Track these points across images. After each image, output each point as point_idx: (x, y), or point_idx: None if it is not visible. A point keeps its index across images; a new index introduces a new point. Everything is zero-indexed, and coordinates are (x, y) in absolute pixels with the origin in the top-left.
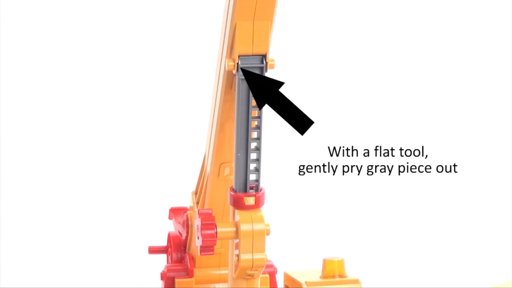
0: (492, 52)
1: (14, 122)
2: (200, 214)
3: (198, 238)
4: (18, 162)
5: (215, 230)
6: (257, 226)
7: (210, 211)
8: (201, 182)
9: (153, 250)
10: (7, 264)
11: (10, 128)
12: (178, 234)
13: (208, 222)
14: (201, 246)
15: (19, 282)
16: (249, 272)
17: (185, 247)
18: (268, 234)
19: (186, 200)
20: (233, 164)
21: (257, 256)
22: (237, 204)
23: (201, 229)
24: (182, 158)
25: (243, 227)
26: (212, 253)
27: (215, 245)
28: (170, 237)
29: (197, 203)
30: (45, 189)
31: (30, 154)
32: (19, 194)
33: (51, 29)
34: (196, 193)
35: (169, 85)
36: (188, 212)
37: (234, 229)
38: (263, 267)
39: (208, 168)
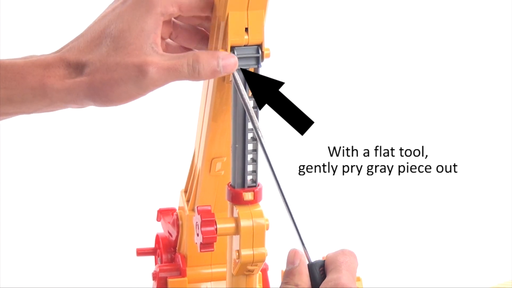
0: (492, 52)
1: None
2: (199, 211)
3: (197, 235)
4: (10, 162)
5: (215, 227)
6: (257, 221)
7: (209, 207)
8: (191, 179)
9: (141, 252)
10: (6, 264)
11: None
12: (167, 234)
13: (208, 218)
14: (201, 243)
15: (11, 282)
16: (249, 267)
17: (175, 247)
18: (267, 229)
19: (172, 201)
20: (226, 159)
21: (257, 251)
22: (236, 199)
23: (201, 226)
24: (167, 161)
25: (243, 223)
26: (212, 249)
27: (216, 241)
28: (159, 239)
29: (188, 201)
30: (33, 191)
31: (19, 155)
32: (13, 195)
33: (51, 28)
34: (186, 191)
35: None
36: (177, 211)
37: (234, 225)
38: (263, 262)
39: (198, 164)
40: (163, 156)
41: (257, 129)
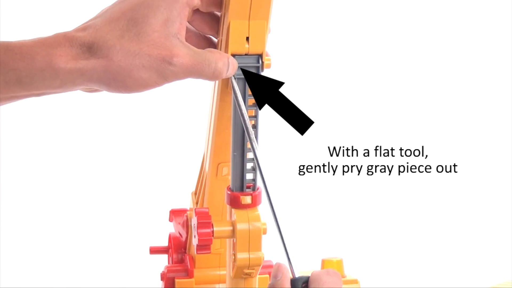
0: (492, 52)
1: (16, 123)
2: (196, 213)
3: (194, 237)
4: (20, 164)
5: (212, 229)
6: (254, 225)
7: (207, 209)
8: (200, 182)
9: (154, 251)
10: (7, 264)
11: (13, 130)
12: (178, 235)
13: (205, 221)
14: (197, 245)
15: (19, 282)
16: (246, 271)
17: (185, 248)
18: (264, 233)
19: (186, 202)
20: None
21: (253, 255)
22: (234, 203)
23: (198, 227)
24: (182, 160)
25: (240, 226)
26: (209, 252)
27: (211, 243)
28: (170, 238)
29: (197, 203)
30: (45, 190)
31: (30, 156)
32: (20, 195)
33: (50, 27)
34: (195, 193)
35: (168, 87)
36: (188, 213)
37: (231, 228)
38: (259, 266)
39: (206, 168)
40: (179, 157)
41: (252, 141)
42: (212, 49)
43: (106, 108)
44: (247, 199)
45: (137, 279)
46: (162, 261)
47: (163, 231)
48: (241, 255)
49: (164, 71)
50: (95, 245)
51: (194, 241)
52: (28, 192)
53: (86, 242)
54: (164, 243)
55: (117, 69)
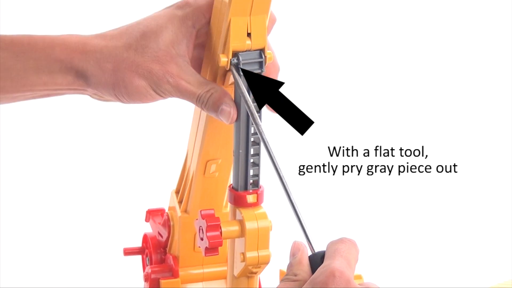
0: (492, 52)
1: None
2: (203, 216)
3: (202, 239)
4: (3, 163)
5: (220, 231)
6: (262, 223)
7: (212, 211)
8: (184, 180)
9: (128, 252)
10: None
11: None
12: (157, 235)
13: (214, 223)
14: (206, 248)
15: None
16: (253, 269)
17: (164, 248)
18: (271, 230)
19: (157, 201)
20: (220, 161)
21: (262, 253)
22: (239, 202)
23: (207, 230)
24: (152, 162)
25: (249, 225)
26: (217, 253)
27: (222, 245)
28: (147, 238)
29: (180, 202)
30: (18, 192)
31: (10, 156)
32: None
33: (49, 26)
34: (177, 192)
35: None
36: (168, 211)
37: (238, 227)
38: (267, 263)
39: (192, 166)
40: (148, 157)
41: (262, 134)
42: (216, 86)
43: (81, 107)
44: (252, 198)
45: (114, 280)
46: (137, 262)
47: (132, 231)
48: (250, 254)
49: (161, 88)
50: (66, 247)
51: (202, 244)
52: (6, 195)
53: (58, 243)
54: (135, 243)
55: (121, 75)
